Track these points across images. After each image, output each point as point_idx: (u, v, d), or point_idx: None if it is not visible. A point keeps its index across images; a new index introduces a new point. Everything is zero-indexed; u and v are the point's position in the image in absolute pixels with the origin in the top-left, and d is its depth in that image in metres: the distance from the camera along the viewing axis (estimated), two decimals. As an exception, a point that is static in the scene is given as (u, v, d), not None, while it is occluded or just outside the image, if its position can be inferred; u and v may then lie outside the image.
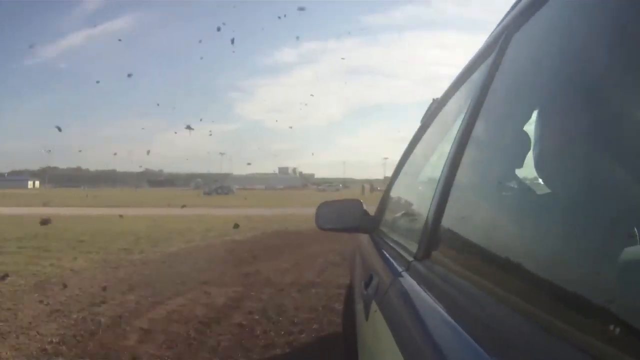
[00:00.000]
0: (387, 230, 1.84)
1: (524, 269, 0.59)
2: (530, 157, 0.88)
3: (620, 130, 0.47)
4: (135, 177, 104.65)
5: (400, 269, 1.13)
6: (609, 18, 0.54)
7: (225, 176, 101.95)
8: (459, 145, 0.97)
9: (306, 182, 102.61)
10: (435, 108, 1.70)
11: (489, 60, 0.97)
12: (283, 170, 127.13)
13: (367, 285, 1.42)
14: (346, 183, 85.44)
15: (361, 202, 2.00)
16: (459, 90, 1.32)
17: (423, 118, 1.87)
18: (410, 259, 1.09)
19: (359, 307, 1.54)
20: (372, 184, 51.63)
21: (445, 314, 0.70)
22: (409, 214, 1.60)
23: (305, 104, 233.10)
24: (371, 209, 2.04)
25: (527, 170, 0.89)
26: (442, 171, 1.02)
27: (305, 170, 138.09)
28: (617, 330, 0.38)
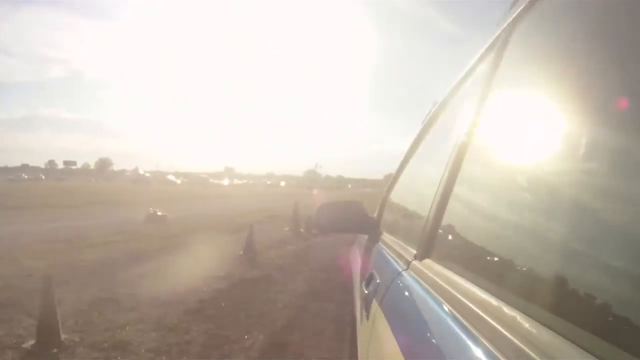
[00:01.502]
0: (387, 231, 1.85)
1: (523, 268, 0.60)
2: (530, 159, 0.89)
3: (623, 131, 0.47)
4: None
5: (400, 269, 1.14)
6: (609, 18, 0.55)
7: None
8: (459, 147, 0.98)
9: None
10: (436, 110, 1.71)
11: (489, 62, 0.99)
12: None
13: (367, 285, 1.43)
14: None
15: (361, 204, 2.03)
16: (459, 92, 1.33)
17: (424, 120, 1.88)
18: (411, 259, 1.10)
19: (359, 306, 1.56)
20: None
21: (445, 313, 0.71)
22: (409, 215, 1.61)
23: None
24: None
25: (528, 172, 0.90)
26: (443, 172, 1.03)
27: None
28: (617, 329, 0.39)
